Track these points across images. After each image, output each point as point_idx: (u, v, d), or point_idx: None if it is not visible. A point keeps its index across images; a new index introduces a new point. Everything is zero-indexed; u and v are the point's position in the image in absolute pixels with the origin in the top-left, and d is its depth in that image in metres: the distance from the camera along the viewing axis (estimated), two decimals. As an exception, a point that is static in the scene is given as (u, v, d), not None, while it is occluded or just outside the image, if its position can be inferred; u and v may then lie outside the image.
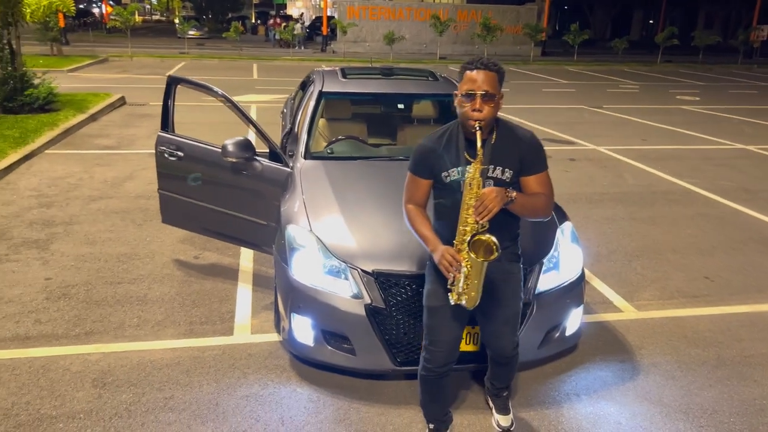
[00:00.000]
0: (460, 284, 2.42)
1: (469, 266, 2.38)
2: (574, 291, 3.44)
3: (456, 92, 2.50)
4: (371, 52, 28.77)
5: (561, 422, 3.10)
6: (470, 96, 2.39)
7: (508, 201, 2.35)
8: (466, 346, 3.12)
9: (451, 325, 2.66)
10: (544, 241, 3.44)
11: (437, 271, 2.56)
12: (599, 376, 3.52)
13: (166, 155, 4.35)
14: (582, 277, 3.51)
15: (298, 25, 31.87)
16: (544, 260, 3.35)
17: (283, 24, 32.66)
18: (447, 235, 2.51)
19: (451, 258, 2.39)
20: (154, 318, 4.00)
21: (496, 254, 2.32)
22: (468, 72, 2.43)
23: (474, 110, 2.38)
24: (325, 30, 30.54)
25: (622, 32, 40.27)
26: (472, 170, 2.39)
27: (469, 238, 2.35)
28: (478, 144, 2.38)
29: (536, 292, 3.25)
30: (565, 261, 3.45)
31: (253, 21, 49.50)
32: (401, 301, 3.10)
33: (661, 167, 8.48)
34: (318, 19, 35.22)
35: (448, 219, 2.53)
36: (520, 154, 2.51)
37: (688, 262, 5.20)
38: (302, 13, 46.31)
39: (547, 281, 3.32)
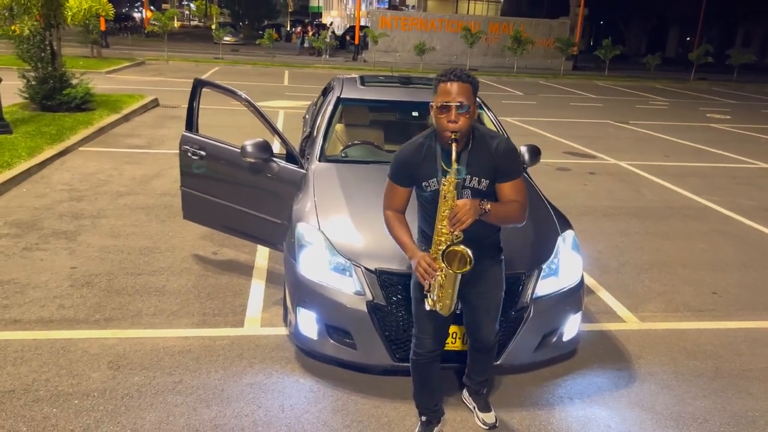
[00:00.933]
0: (435, 292, 2.52)
1: (443, 276, 2.47)
2: (573, 297, 3.52)
3: (431, 104, 2.54)
4: (402, 62, 29.05)
5: (551, 423, 3.18)
6: (445, 108, 2.44)
7: (482, 213, 2.41)
8: (453, 345, 3.23)
9: (438, 314, 2.74)
10: (544, 248, 3.54)
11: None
12: (594, 381, 3.59)
13: (189, 154, 4.56)
14: (581, 284, 3.60)
15: (329, 33, 32.37)
16: (544, 266, 3.45)
17: (312, 32, 33.20)
18: (427, 239, 2.63)
19: (427, 266, 2.47)
20: (169, 308, 4.19)
21: (468, 267, 2.39)
22: (442, 84, 2.47)
23: (449, 122, 2.44)
24: (357, 39, 30.93)
25: (658, 48, 39.92)
26: (447, 183, 2.45)
27: (443, 249, 2.42)
28: (453, 156, 2.43)
29: (534, 296, 3.35)
30: (564, 268, 3.54)
31: (288, 29, 50.32)
32: (401, 299, 3.22)
33: (681, 184, 8.46)
34: (351, 29, 35.65)
35: (430, 225, 2.64)
36: (494, 162, 2.58)
37: (697, 277, 5.22)
38: (331, 22, 46.86)
39: (545, 286, 3.41)
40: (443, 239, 2.46)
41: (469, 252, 2.39)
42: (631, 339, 4.10)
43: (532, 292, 3.35)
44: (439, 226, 2.48)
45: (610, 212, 6.98)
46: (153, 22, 26.96)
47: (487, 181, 2.58)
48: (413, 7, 42.35)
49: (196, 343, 3.76)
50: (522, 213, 2.63)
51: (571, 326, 3.54)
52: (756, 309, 4.67)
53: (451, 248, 2.40)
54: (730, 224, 6.79)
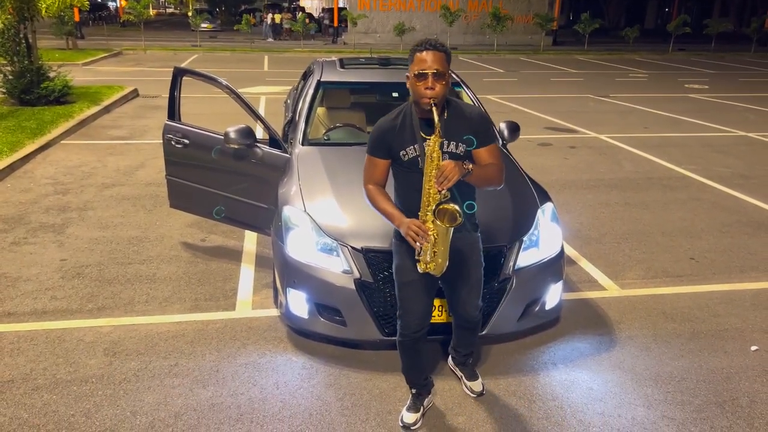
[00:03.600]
0: (428, 253, 2.59)
1: (435, 234, 2.55)
2: (553, 267, 3.64)
3: (407, 74, 2.63)
4: (382, 43, 28.92)
5: (536, 388, 3.32)
6: (422, 76, 2.53)
7: (465, 173, 2.49)
8: (438, 318, 3.35)
9: (421, 295, 2.84)
10: (524, 220, 3.65)
11: (403, 246, 2.75)
12: (577, 347, 3.73)
13: (173, 143, 4.60)
14: (561, 254, 3.72)
15: (298, 15, 32.09)
16: (524, 238, 3.56)
17: (282, 17, 32.79)
18: (407, 211, 2.68)
19: (417, 228, 2.54)
20: (161, 295, 4.27)
21: (460, 220, 2.49)
22: (418, 54, 2.57)
23: (427, 88, 2.52)
24: (336, 21, 30.71)
25: (637, 21, 39.97)
26: (432, 143, 2.52)
27: (434, 207, 2.52)
28: (436, 119, 2.50)
29: (516, 267, 3.47)
30: (544, 239, 3.66)
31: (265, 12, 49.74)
32: (388, 276, 3.32)
33: (660, 154, 8.62)
34: (328, 11, 35.35)
35: (409, 197, 2.70)
36: (472, 129, 2.68)
37: (675, 244, 5.38)
38: (294, 7, 45.94)
39: (526, 258, 3.53)
40: (431, 199, 2.54)
41: (458, 208, 2.49)
42: (612, 306, 4.25)
43: (514, 264, 3.46)
44: (427, 187, 2.55)
45: (591, 185, 7.11)
46: (128, 11, 26.53)
47: (464, 146, 2.68)
48: (391, -13, 42.00)
49: (190, 328, 3.84)
50: (500, 174, 2.73)
51: (553, 295, 3.67)
52: (731, 272, 4.83)
53: (441, 206, 2.50)
54: (707, 192, 6.95)
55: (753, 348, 3.73)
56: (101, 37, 27.54)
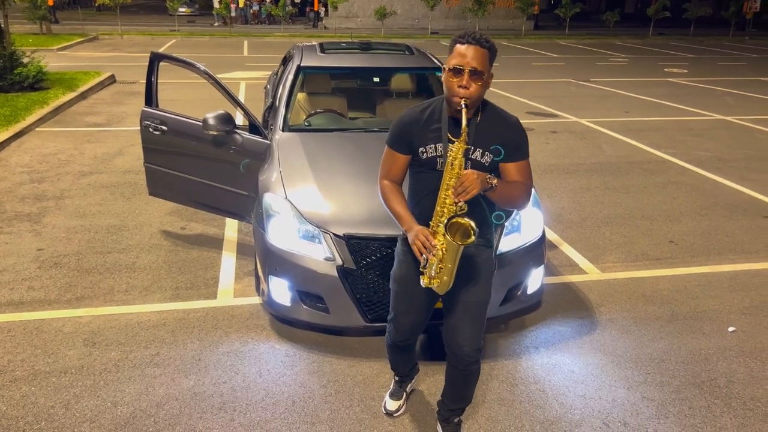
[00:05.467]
0: (434, 268, 2.33)
1: (444, 249, 2.28)
2: (535, 252, 3.66)
3: (444, 66, 2.34)
4: (363, 27, 28.69)
5: (518, 371, 3.34)
6: (458, 71, 2.24)
7: (488, 187, 2.21)
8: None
9: (415, 308, 2.64)
10: (506, 206, 3.64)
11: (409, 254, 2.52)
12: (558, 331, 3.76)
13: (150, 129, 4.52)
14: (543, 238, 3.73)
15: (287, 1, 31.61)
16: (506, 223, 3.56)
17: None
18: (419, 214, 2.45)
19: (425, 239, 2.28)
20: (141, 284, 4.22)
21: (473, 239, 2.20)
22: (458, 45, 2.27)
23: (460, 86, 2.24)
24: (316, 5, 30.38)
25: (617, 5, 40.09)
26: (455, 149, 2.25)
27: (446, 220, 2.25)
28: (464, 123, 2.22)
29: (498, 252, 3.47)
30: (526, 224, 3.66)
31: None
32: (371, 262, 3.31)
33: (640, 138, 8.68)
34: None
35: (422, 198, 2.46)
36: (503, 139, 2.38)
37: (655, 228, 5.43)
38: None
39: (508, 242, 3.54)
40: (446, 210, 2.28)
41: (473, 224, 2.20)
42: (592, 289, 4.29)
43: (496, 249, 3.46)
44: (443, 196, 2.29)
45: (572, 169, 7.15)
46: (104, -5, 25.97)
47: (491, 156, 2.38)
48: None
49: (171, 317, 3.81)
50: (527, 196, 2.41)
51: (535, 279, 3.69)
52: (709, 255, 4.90)
53: (455, 219, 2.23)
54: (686, 175, 7.03)
55: (730, 329, 3.79)
56: (76, 21, 26.94)
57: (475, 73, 2.23)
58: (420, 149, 2.41)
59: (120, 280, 4.27)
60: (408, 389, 3.10)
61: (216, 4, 29.44)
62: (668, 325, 3.84)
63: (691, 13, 29.61)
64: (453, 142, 2.28)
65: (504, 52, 21.21)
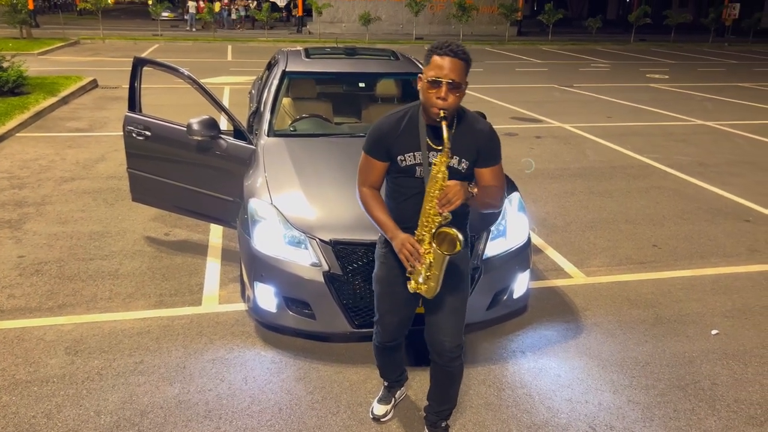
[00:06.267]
0: (421, 275, 2.38)
1: (431, 258, 2.35)
2: (521, 256, 3.67)
3: (421, 75, 2.36)
4: (347, 32, 28.73)
5: (505, 376, 3.35)
6: (436, 83, 2.27)
7: (469, 196, 2.29)
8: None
9: (399, 308, 2.67)
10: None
11: (390, 256, 2.55)
12: (544, 335, 3.77)
13: (134, 135, 4.48)
14: (528, 243, 3.75)
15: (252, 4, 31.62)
16: (492, 228, 3.57)
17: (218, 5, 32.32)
18: (396, 218, 2.48)
19: (412, 248, 2.34)
20: (125, 291, 4.17)
21: (459, 249, 2.27)
22: (436, 57, 2.29)
23: (439, 98, 2.27)
24: (300, 11, 30.37)
25: (599, 11, 40.56)
26: (439, 162, 2.30)
27: (434, 231, 2.32)
28: (445, 135, 2.27)
29: (484, 257, 3.48)
30: (512, 228, 3.68)
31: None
32: (357, 268, 3.30)
33: (622, 143, 8.77)
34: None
35: (401, 203, 2.50)
36: (477, 146, 2.45)
37: (638, 232, 5.48)
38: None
39: (494, 247, 3.54)
40: (431, 220, 2.33)
41: (460, 235, 2.28)
42: (578, 293, 4.31)
43: (482, 254, 3.47)
44: (427, 207, 2.34)
45: (556, 174, 7.20)
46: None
47: (467, 162, 2.45)
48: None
49: (155, 324, 3.76)
50: (501, 198, 2.56)
51: (521, 284, 3.70)
52: (692, 258, 4.95)
53: (442, 229, 2.30)
54: (668, 180, 7.11)
55: (713, 332, 3.83)
56: (57, 26, 26.69)
57: (453, 85, 2.27)
58: (399, 157, 2.45)
59: (103, 287, 4.22)
60: (397, 396, 3.08)
61: (191, 9, 29.33)
62: (653, 328, 3.87)
63: (671, 20, 30.06)
64: (432, 151, 2.36)
65: (488, 57, 21.35)
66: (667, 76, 17.01)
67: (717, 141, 9.20)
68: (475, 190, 2.33)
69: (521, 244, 3.67)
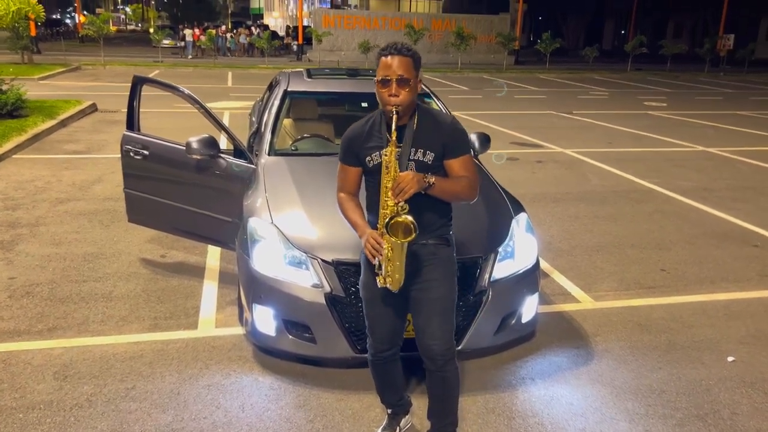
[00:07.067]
0: (383, 268, 2.44)
1: (389, 249, 2.39)
2: (529, 279, 3.55)
3: (375, 80, 2.47)
4: (347, 60, 28.96)
5: (515, 404, 3.19)
6: (386, 82, 2.40)
7: (426, 186, 2.36)
8: (412, 333, 3.19)
9: (388, 313, 2.64)
10: (499, 231, 3.55)
11: (368, 261, 2.57)
12: (554, 361, 3.63)
13: (131, 154, 4.39)
14: (537, 265, 3.63)
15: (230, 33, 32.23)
16: (500, 249, 3.45)
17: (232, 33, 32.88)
18: (373, 219, 2.54)
19: (374, 241, 2.40)
20: (118, 314, 4.02)
21: (414, 235, 2.31)
22: (383, 58, 2.43)
23: (391, 95, 2.39)
24: (300, 39, 30.68)
25: (594, 42, 41.06)
26: (388, 153, 2.40)
27: (387, 220, 2.35)
28: (393, 127, 2.38)
29: (492, 279, 3.35)
30: (520, 250, 3.56)
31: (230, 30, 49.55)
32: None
33: (624, 168, 8.70)
34: (294, 29, 35.34)
35: (375, 203, 2.54)
36: (442, 139, 2.52)
37: (645, 256, 5.36)
38: (259, 24, 45.94)
39: (502, 269, 3.42)
40: (388, 211, 2.39)
41: (412, 220, 2.31)
42: (587, 318, 4.17)
43: (490, 276, 3.35)
44: (384, 198, 2.41)
45: (559, 198, 7.11)
46: (87, 26, 25.90)
47: (433, 154, 2.51)
48: (356, 6, 42.38)
49: (149, 348, 3.61)
50: (471, 189, 2.55)
51: (529, 308, 3.57)
52: (702, 283, 4.82)
53: (394, 219, 2.33)
54: (672, 204, 7.02)
55: (730, 359, 3.69)
56: (59, 52, 26.81)
57: (401, 81, 2.39)
58: (367, 158, 2.56)
59: (95, 309, 4.07)
60: (402, 424, 2.93)
61: (188, 37, 29.58)
62: (666, 354, 3.72)
63: (667, 50, 30.41)
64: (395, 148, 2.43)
65: (486, 85, 21.47)
66: (665, 104, 17.07)
67: (719, 167, 9.15)
68: (432, 179, 2.38)
69: (530, 266, 3.56)
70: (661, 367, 3.58)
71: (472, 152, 2.62)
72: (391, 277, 2.45)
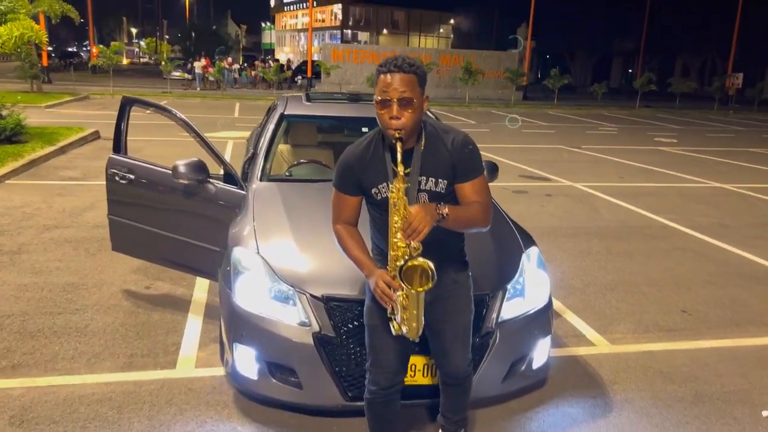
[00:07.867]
0: (398, 315, 2.17)
1: (404, 297, 2.12)
2: (541, 319, 3.21)
3: (374, 99, 2.20)
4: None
5: (525, 463, 2.82)
6: (386, 102, 2.11)
7: (439, 219, 2.06)
8: (423, 379, 2.87)
9: (395, 344, 2.38)
10: (508, 266, 3.22)
11: (375, 300, 2.30)
12: (569, 412, 3.25)
13: (117, 178, 4.14)
14: (549, 305, 3.29)
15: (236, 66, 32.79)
16: (508, 286, 3.12)
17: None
18: (386, 249, 2.25)
19: (385, 287, 2.13)
20: (91, 350, 3.69)
21: (431, 283, 2.04)
22: (382, 76, 2.13)
23: (392, 118, 2.09)
24: (309, 72, 30.90)
25: (602, 79, 41.25)
26: (395, 190, 2.10)
27: (401, 266, 2.05)
28: (398, 158, 2.08)
29: (500, 320, 3.02)
30: (530, 287, 3.23)
31: (240, 64, 50.19)
32: (353, 329, 2.84)
33: (637, 203, 8.38)
34: (303, 63, 35.70)
35: (386, 240, 2.25)
36: (452, 160, 2.23)
37: (664, 296, 5.00)
38: (270, 58, 46.75)
39: (511, 309, 3.09)
40: (400, 253, 2.10)
41: (430, 264, 2.03)
42: (603, 363, 3.80)
43: (498, 315, 3.02)
44: (394, 240, 2.11)
45: (570, 232, 6.77)
46: (99, 57, 26.12)
47: (445, 181, 2.23)
48: (365, 42, 42.86)
49: (119, 389, 3.27)
50: (485, 215, 2.26)
51: (541, 352, 3.22)
52: (728, 326, 4.45)
53: (409, 263, 2.03)
54: (690, 241, 6.66)
55: (765, 413, 3.30)
56: (69, 82, 26.99)
57: (403, 102, 2.08)
58: (373, 190, 2.27)
59: (67, 345, 3.74)
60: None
61: (198, 69, 29.74)
62: (693, 407, 3.34)
63: (675, 88, 30.35)
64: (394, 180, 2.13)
65: (494, 119, 21.33)
66: (675, 140, 16.81)
67: (735, 203, 8.81)
68: (446, 210, 2.07)
69: (542, 305, 3.22)
70: (688, 421, 3.20)
71: (485, 172, 2.31)
72: (408, 326, 2.19)
